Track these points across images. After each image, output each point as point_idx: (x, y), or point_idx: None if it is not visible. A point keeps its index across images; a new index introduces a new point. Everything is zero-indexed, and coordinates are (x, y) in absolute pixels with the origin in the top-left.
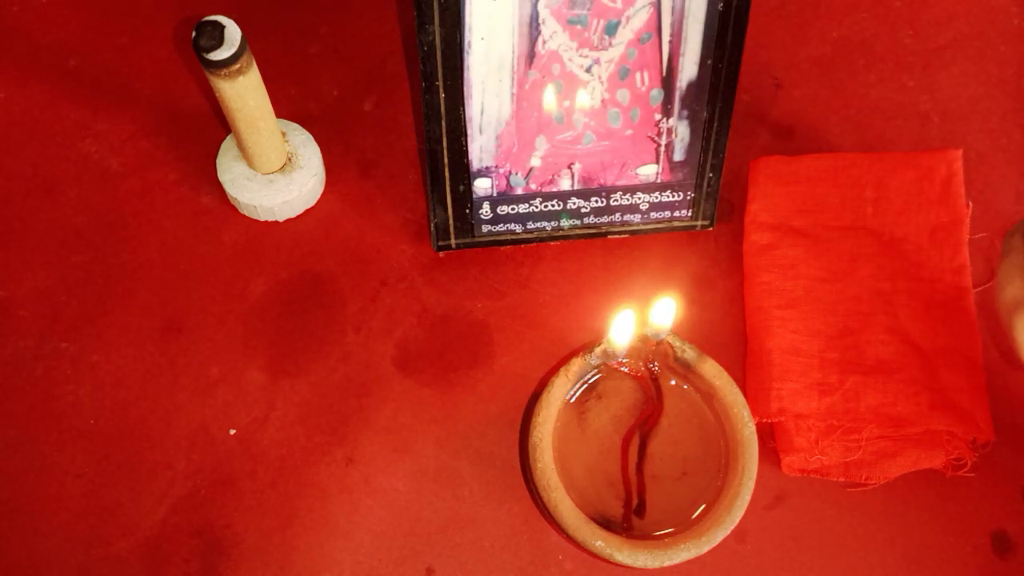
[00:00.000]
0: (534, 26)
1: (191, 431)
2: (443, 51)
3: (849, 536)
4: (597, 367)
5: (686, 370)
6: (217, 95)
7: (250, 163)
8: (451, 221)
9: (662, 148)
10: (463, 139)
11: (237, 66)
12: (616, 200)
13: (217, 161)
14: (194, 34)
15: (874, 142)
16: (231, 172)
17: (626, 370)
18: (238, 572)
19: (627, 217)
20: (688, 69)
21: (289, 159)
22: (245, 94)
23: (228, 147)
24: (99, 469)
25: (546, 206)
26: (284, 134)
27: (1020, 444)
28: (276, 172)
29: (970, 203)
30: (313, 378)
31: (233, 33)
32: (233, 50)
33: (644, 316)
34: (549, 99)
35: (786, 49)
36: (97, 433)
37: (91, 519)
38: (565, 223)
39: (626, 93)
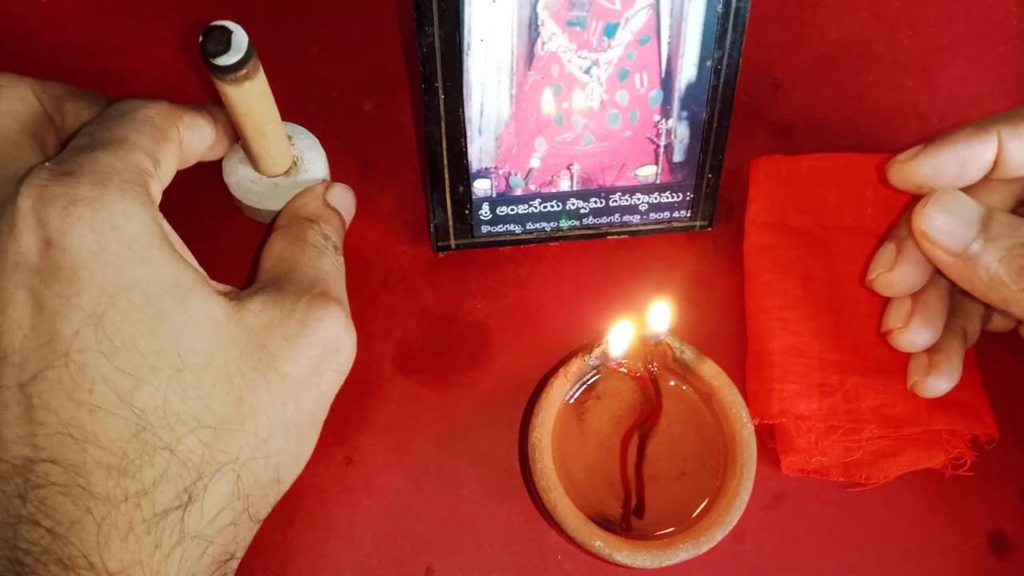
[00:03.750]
0: (533, 28)
1: None
2: (442, 53)
3: (848, 536)
4: (596, 368)
5: (685, 371)
6: (223, 100)
7: (255, 166)
8: (451, 222)
9: (661, 149)
10: (462, 140)
11: (244, 71)
12: (615, 201)
13: (223, 164)
14: (201, 39)
15: (874, 142)
16: (236, 175)
17: (625, 371)
18: (238, 572)
19: (626, 218)
20: (687, 70)
21: (295, 163)
22: (251, 99)
23: (234, 150)
24: None
25: (545, 207)
26: (290, 137)
27: (1018, 444)
28: (281, 176)
29: None
30: None
31: (240, 38)
32: (240, 55)
33: (643, 317)
34: (548, 100)
35: (785, 49)
36: None
37: None
38: (564, 224)
39: (625, 94)
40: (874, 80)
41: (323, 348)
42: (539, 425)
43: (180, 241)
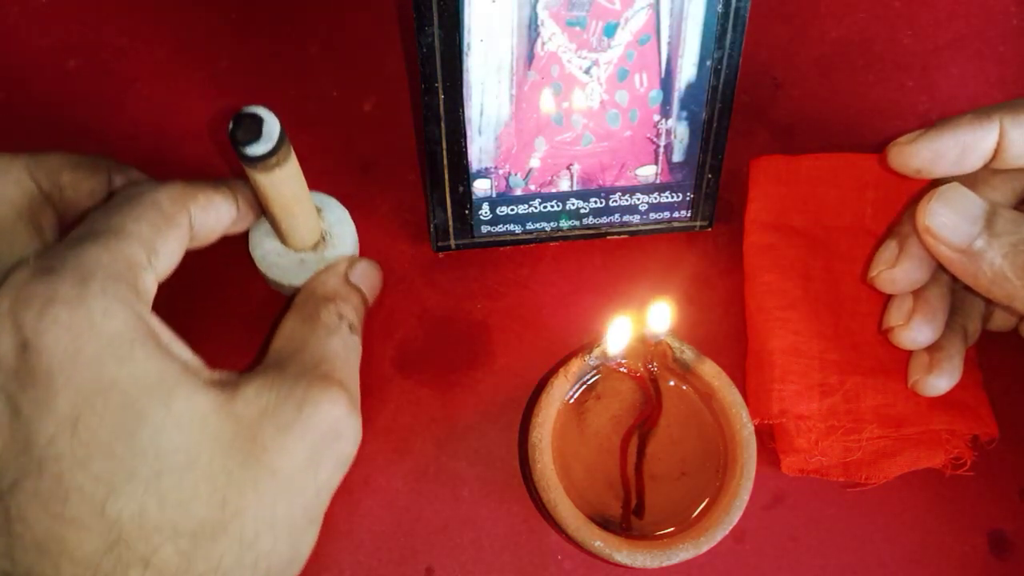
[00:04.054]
0: (533, 28)
1: None
2: (442, 53)
3: (847, 535)
4: (596, 368)
5: (685, 371)
6: (251, 182)
7: (282, 240)
8: (450, 222)
9: (661, 149)
10: (462, 140)
11: (275, 160)
12: (615, 201)
13: (249, 235)
14: (231, 126)
15: (874, 142)
16: (262, 247)
17: (625, 371)
18: None
19: (626, 218)
20: (687, 70)
21: (323, 237)
22: (281, 184)
23: (260, 221)
24: None
25: (545, 207)
26: (320, 210)
27: (1018, 444)
28: (308, 251)
29: None
30: None
31: (272, 127)
32: (272, 145)
33: (642, 317)
34: (548, 100)
35: (786, 49)
36: None
37: None
38: (564, 224)
39: (625, 94)
40: (874, 80)
41: (321, 435)
42: (539, 425)
43: (170, 334)
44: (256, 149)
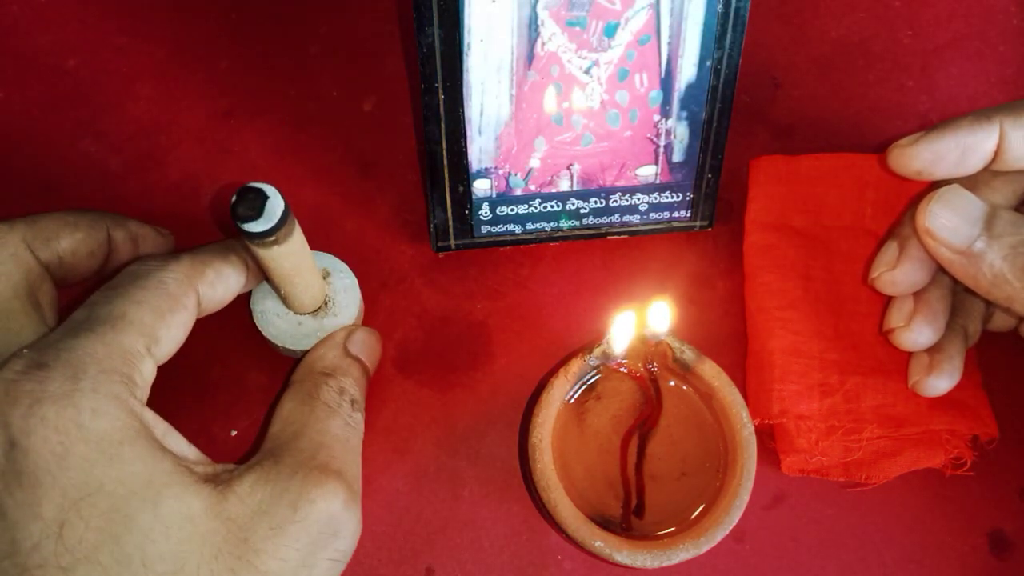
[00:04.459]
0: (533, 28)
1: (192, 432)
2: (442, 53)
3: (847, 535)
4: (596, 368)
5: (685, 371)
6: (249, 251)
7: (283, 302)
8: (450, 222)
9: (661, 149)
10: (462, 140)
11: (274, 239)
12: (615, 201)
13: (252, 290)
14: (233, 199)
15: (874, 142)
16: (262, 304)
17: (625, 371)
18: None
19: (626, 218)
20: (687, 70)
21: (325, 303)
22: (280, 258)
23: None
24: None
25: (545, 207)
26: (328, 275)
27: (1018, 444)
28: (308, 315)
29: None
30: None
31: (274, 206)
32: (270, 225)
33: (643, 317)
34: (548, 100)
35: (785, 49)
36: None
37: None
38: (564, 224)
39: (625, 94)
40: (874, 80)
41: (316, 534)
42: (539, 425)
43: (165, 426)
44: (255, 227)
